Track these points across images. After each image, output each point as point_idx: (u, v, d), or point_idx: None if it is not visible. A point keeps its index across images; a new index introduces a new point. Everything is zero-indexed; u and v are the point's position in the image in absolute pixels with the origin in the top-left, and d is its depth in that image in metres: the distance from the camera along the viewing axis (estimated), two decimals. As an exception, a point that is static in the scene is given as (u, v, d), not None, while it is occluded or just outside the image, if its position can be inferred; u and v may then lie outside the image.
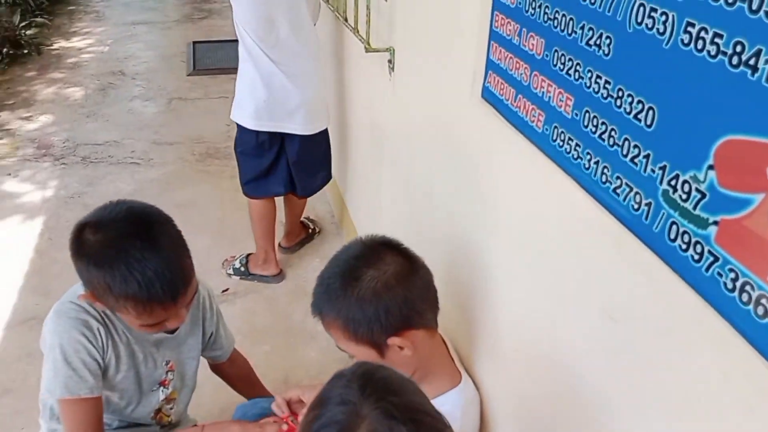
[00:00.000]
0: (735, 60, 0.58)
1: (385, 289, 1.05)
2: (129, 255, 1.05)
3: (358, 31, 1.82)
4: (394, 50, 1.65)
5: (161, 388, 1.36)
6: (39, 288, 2.49)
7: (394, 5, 1.64)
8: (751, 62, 0.56)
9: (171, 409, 1.42)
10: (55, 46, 5.32)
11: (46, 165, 3.43)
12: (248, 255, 2.58)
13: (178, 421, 1.47)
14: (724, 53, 0.59)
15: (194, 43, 5.12)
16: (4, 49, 4.89)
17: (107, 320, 1.21)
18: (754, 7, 0.55)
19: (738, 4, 0.56)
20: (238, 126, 2.29)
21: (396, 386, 0.75)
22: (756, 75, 0.55)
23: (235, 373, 1.63)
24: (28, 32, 5.26)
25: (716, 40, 0.60)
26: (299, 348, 2.24)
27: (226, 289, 2.49)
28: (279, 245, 2.68)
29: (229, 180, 3.25)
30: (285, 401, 1.26)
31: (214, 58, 4.86)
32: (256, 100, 2.17)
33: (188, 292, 1.15)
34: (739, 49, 0.57)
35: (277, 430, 1.23)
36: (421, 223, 1.60)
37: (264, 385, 1.71)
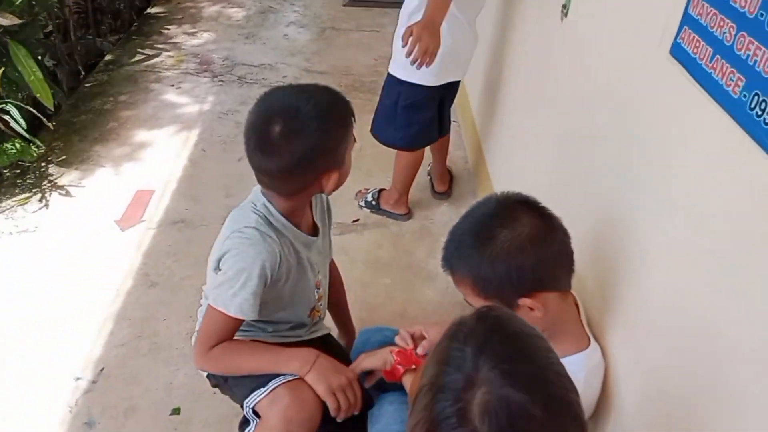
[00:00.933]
0: None
1: (518, 250, 1.03)
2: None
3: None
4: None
5: (315, 288, 1.46)
6: (189, 194, 2.70)
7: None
8: None
9: (321, 305, 1.53)
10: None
11: (205, 80, 3.65)
12: (380, 190, 2.62)
13: (323, 315, 1.60)
14: None
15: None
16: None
17: (281, 238, 1.28)
18: None
19: None
20: (408, 83, 2.20)
21: (521, 345, 0.71)
22: None
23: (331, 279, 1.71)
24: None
25: None
26: (418, 286, 2.28)
27: (356, 220, 2.57)
28: (434, 191, 2.72)
29: (370, 114, 3.28)
30: (409, 335, 1.29)
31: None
32: (440, 52, 1.99)
33: None
34: None
35: (388, 359, 1.27)
36: (569, 184, 1.53)
37: (348, 308, 1.84)
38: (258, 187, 1.30)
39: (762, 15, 0.80)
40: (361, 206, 2.63)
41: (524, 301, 1.05)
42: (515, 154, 2.20)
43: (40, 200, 2.63)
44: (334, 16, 4.55)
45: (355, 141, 1.28)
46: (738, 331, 0.83)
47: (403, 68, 2.16)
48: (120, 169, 2.86)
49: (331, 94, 1.25)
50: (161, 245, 2.41)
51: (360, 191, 2.69)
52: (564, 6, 1.57)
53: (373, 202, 2.61)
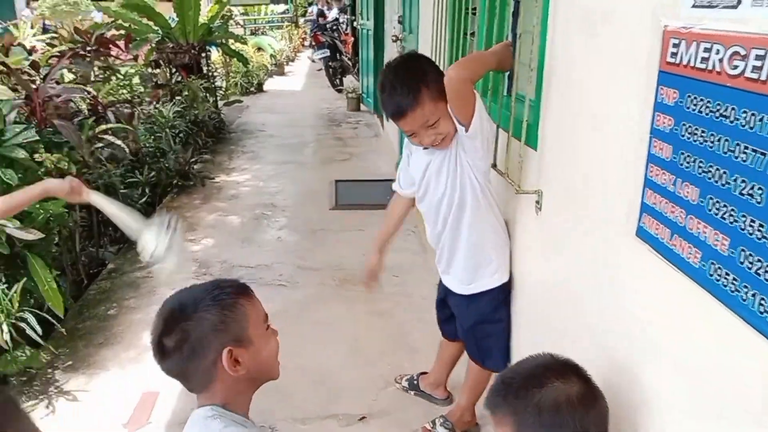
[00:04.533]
0: None
1: (567, 404, 1.08)
2: None
3: (508, 176, 2.05)
4: (542, 192, 1.85)
5: None
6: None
7: (542, 153, 1.86)
8: None
9: None
10: (217, 179, 6.09)
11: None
12: (420, 374, 2.70)
13: None
14: None
15: (337, 181, 5.66)
16: (176, 181, 5.67)
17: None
18: None
19: None
20: (497, 290, 2.13)
21: None
22: None
23: None
24: (195, 167, 6.10)
25: None
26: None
27: (363, 417, 2.58)
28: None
29: (363, 304, 3.48)
30: None
31: (355, 195, 5.34)
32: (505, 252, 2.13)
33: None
34: None
35: None
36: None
37: None
38: (192, 412, 1.27)
39: (702, 201, 1.05)
40: (405, 388, 2.68)
41: None
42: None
43: (47, 407, 2.65)
44: (323, 219, 4.95)
45: (266, 319, 1.31)
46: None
47: (489, 274, 2.11)
48: (126, 372, 2.92)
49: (221, 283, 1.27)
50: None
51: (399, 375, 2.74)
52: (537, 202, 1.87)
53: (415, 382, 2.67)
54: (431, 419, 2.41)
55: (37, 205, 2.72)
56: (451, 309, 2.30)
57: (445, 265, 2.19)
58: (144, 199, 4.83)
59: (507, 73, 2.23)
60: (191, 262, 4.15)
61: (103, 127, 3.79)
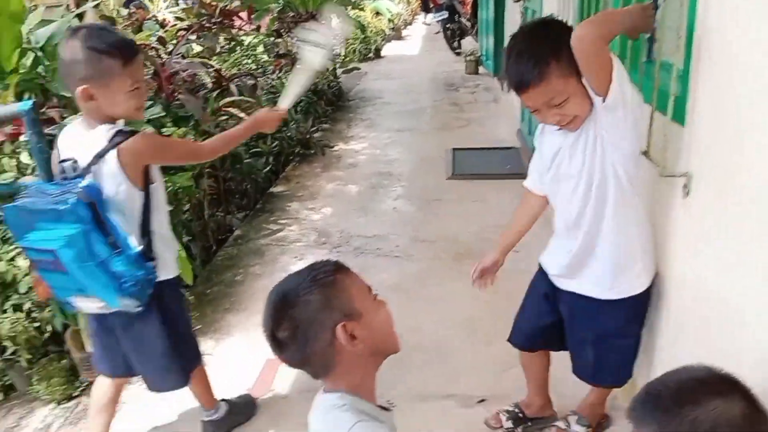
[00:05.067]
0: None
1: (728, 425, 0.94)
2: None
3: (650, 156, 1.84)
4: (691, 175, 1.64)
5: None
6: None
7: (692, 130, 1.64)
8: None
9: None
10: (336, 148, 6.17)
11: (325, 252, 3.92)
12: (516, 404, 2.34)
13: None
14: None
15: (454, 149, 5.53)
16: (297, 150, 5.82)
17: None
18: None
19: None
20: (639, 296, 1.86)
21: None
22: None
23: None
24: (315, 135, 6.21)
25: None
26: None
27: (482, 400, 2.51)
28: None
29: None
30: None
31: (472, 164, 5.20)
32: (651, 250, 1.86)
33: None
34: None
35: None
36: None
37: None
38: (319, 394, 1.28)
39: None
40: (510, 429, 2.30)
41: None
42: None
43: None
44: (439, 188, 4.87)
45: (370, 290, 1.27)
46: None
47: (631, 279, 1.83)
48: (249, 338, 3.05)
49: (317, 266, 1.26)
50: (292, 415, 2.49)
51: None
52: (685, 186, 1.65)
53: (520, 415, 2.31)
54: (563, 416, 2.24)
55: (166, 178, 2.86)
56: (560, 315, 1.99)
57: (575, 265, 1.85)
58: (267, 169, 4.99)
59: (648, 36, 1.98)
60: (311, 231, 4.24)
61: (227, 100, 3.91)
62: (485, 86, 8.32)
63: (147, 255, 1.92)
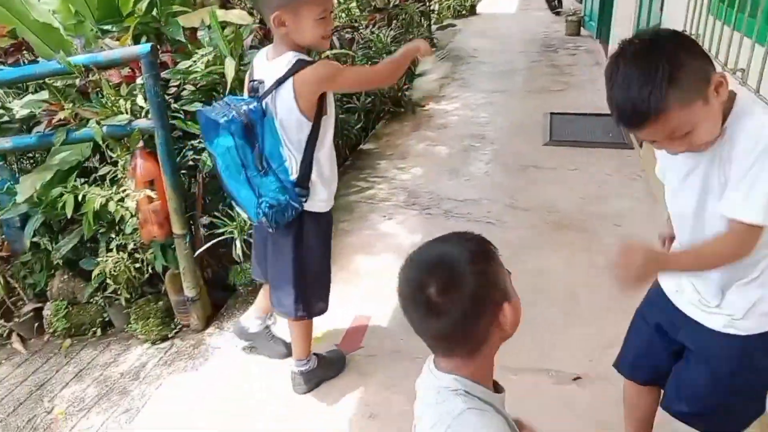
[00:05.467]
0: None
1: None
2: None
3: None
4: None
5: None
6: (404, 324, 2.75)
7: None
8: None
9: None
10: (427, 107, 6.02)
11: (414, 213, 3.85)
12: None
13: None
14: None
15: (552, 114, 5.27)
16: (388, 107, 5.72)
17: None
18: None
19: None
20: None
21: None
22: None
23: None
24: (407, 93, 6.08)
25: None
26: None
27: (578, 377, 2.41)
28: None
29: (581, 253, 3.21)
30: None
31: (571, 130, 4.94)
32: None
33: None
34: None
35: None
36: None
37: None
38: (430, 368, 1.17)
39: None
40: None
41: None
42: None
43: (269, 317, 2.85)
44: (534, 154, 4.65)
45: (509, 272, 1.16)
46: None
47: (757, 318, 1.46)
48: (338, 293, 3.02)
49: (471, 236, 1.17)
50: (379, 375, 2.47)
51: None
52: None
53: None
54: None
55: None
56: (681, 344, 1.63)
57: (711, 294, 1.50)
58: (359, 125, 4.93)
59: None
60: (400, 191, 4.17)
61: (328, 52, 3.85)
62: (587, 48, 7.87)
63: (300, 184, 2.00)
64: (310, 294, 2.24)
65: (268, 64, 1.97)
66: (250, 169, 1.92)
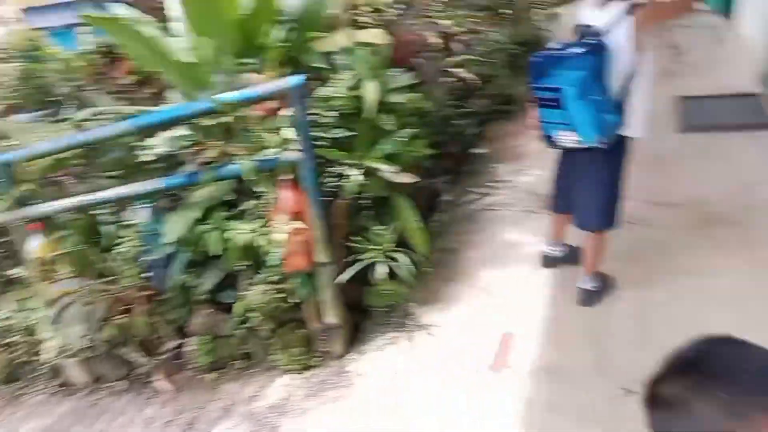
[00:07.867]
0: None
1: None
2: None
3: None
4: None
5: None
6: (551, 340, 2.59)
7: None
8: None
9: None
10: (539, 104, 5.74)
11: (544, 217, 3.64)
12: None
13: None
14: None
15: (684, 98, 4.86)
16: (501, 108, 5.49)
17: None
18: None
19: None
20: None
21: None
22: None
23: None
24: (520, 89, 5.82)
25: None
26: None
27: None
28: None
29: (744, 250, 2.89)
30: None
31: (707, 114, 4.52)
32: None
33: None
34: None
35: None
36: None
37: None
38: None
39: None
40: None
41: None
42: None
43: (408, 339, 2.78)
44: (669, 143, 4.28)
45: None
46: None
47: None
48: (472, 309, 2.92)
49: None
50: (534, 394, 2.32)
51: None
52: None
53: None
54: None
55: (403, 150, 2.78)
56: None
57: None
58: (472, 131, 4.77)
59: None
60: (523, 195, 3.98)
61: (452, 60, 3.71)
62: (704, 25, 7.25)
63: (625, 109, 2.36)
64: (617, 207, 2.63)
65: (599, 12, 2.34)
66: (597, 96, 2.27)
